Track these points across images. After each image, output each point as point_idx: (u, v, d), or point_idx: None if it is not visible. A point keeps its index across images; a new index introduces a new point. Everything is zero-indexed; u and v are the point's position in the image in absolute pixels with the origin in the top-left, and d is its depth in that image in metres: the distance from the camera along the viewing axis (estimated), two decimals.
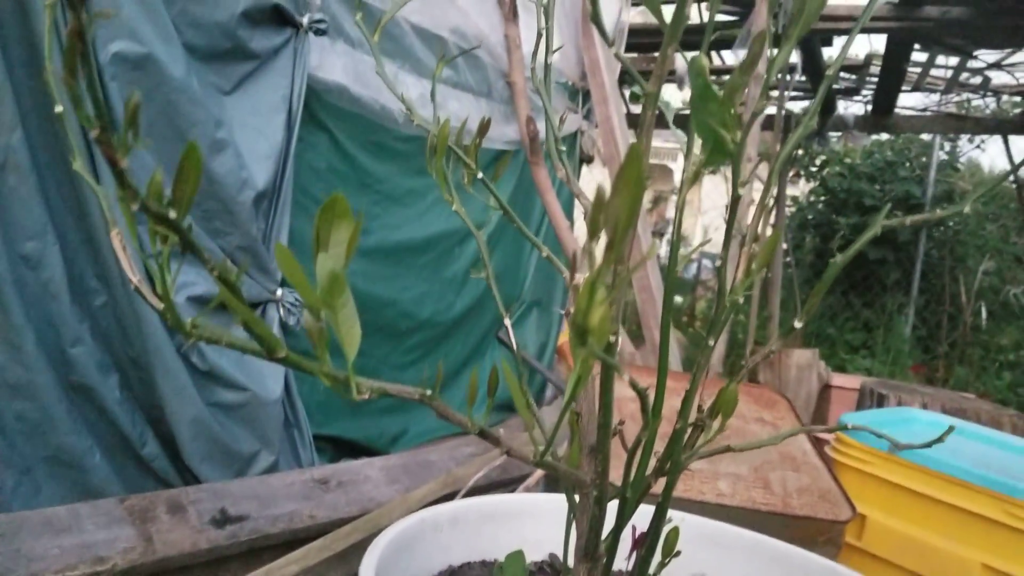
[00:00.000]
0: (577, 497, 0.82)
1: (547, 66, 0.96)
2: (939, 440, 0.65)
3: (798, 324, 0.69)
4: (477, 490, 1.93)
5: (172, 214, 0.46)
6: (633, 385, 0.62)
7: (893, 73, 4.62)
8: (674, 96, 6.62)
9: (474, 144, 0.91)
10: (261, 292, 1.76)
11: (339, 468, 1.86)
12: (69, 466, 1.50)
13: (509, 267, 2.84)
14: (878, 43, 4.58)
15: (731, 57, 5.66)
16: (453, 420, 0.67)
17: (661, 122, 6.16)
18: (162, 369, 1.56)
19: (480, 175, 0.89)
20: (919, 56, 4.59)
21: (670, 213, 12.95)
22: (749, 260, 0.65)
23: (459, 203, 0.95)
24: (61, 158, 1.45)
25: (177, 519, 1.50)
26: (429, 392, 0.64)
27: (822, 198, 6.42)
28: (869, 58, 4.85)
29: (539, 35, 0.92)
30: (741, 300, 0.60)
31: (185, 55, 1.54)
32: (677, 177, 12.84)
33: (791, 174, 6.01)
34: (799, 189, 6.63)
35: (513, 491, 2.20)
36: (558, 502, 0.94)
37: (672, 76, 5.26)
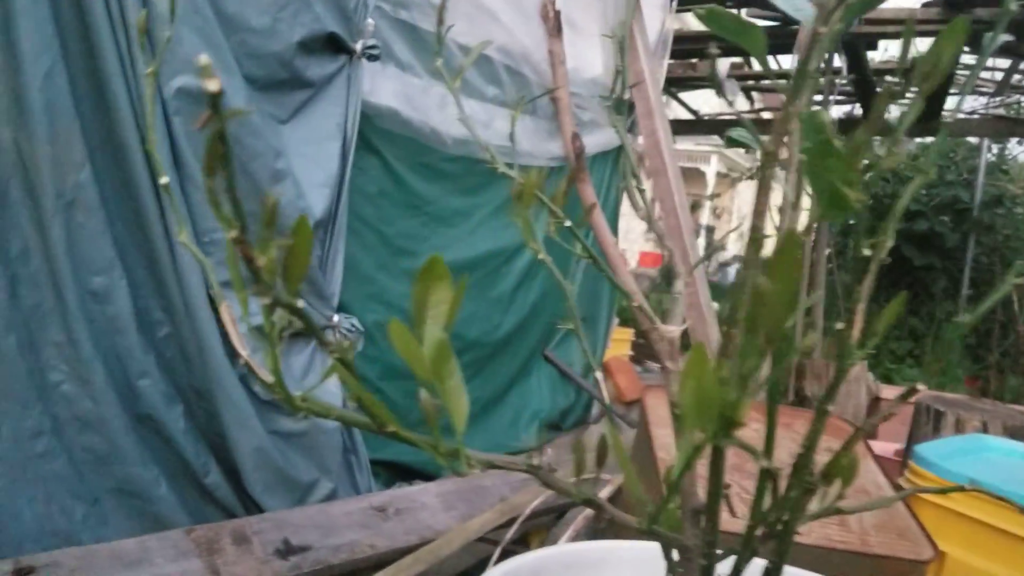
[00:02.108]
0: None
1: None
2: None
3: (861, 349, 0.66)
4: (533, 515, 1.92)
5: (300, 303, 0.45)
6: (753, 453, 0.59)
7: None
8: (709, 101, 6.56)
9: (560, 193, 0.89)
10: (319, 319, 1.77)
11: (396, 495, 1.85)
12: (135, 496, 1.52)
13: (553, 287, 2.82)
14: (923, 46, 4.48)
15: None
16: (558, 488, 0.66)
17: (696, 128, 6.11)
18: (225, 399, 1.57)
19: (568, 223, 0.88)
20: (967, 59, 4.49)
21: (703, 219, 12.82)
22: (862, 320, 0.63)
23: (543, 250, 0.94)
24: (126, 193, 1.47)
25: (242, 550, 1.51)
26: (536, 463, 0.63)
27: (866, 203, 6.30)
28: (915, 61, 4.75)
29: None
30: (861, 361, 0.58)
31: (246, 87, 1.55)
32: (710, 180, 12.69)
33: None
34: None
35: (563, 515, 2.18)
36: (639, 551, 0.92)
37: (710, 81, 5.22)
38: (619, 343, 3.68)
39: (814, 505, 0.71)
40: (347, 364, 0.50)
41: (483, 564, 2.01)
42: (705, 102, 6.18)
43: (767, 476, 0.64)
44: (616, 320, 3.40)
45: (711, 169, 12.73)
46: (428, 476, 2.17)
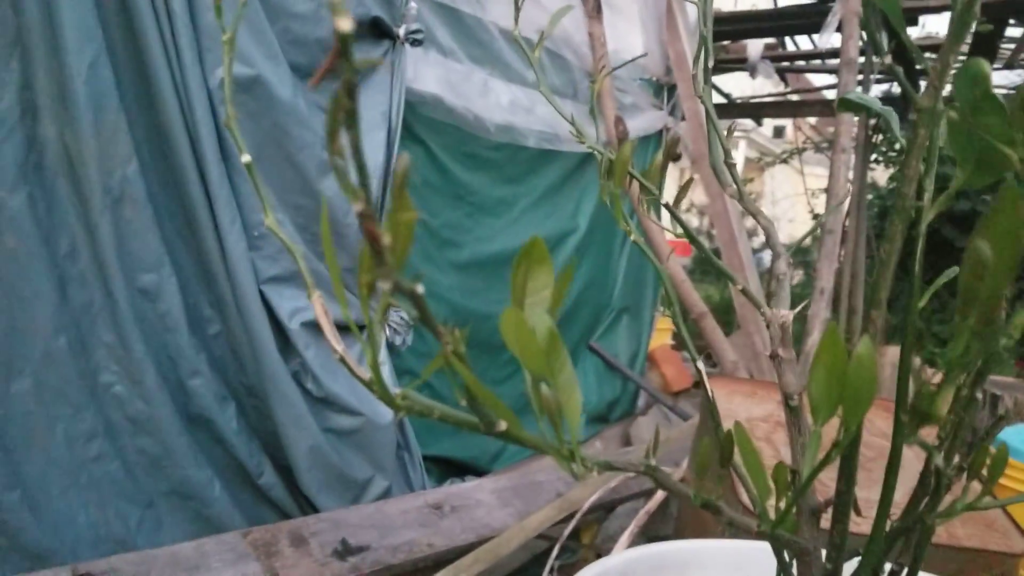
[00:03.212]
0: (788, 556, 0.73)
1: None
2: None
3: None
4: (591, 509, 1.86)
5: (419, 288, 0.39)
6: (929, 450, 0.52)
7: (984, 51, 4.36)
8: (743, 83, 6.43)
9: (655, 167, 0.83)
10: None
11: (451, 492, 1.80)
12: (190, 498, 1.48)
13: (598, 275, 2.76)
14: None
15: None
16: (675, 492, 0.60)
17: (728, 112, 5.98)
18: (278, 397, 1.52)
19: (664, 202, 0.81)
20: (1013, 32, 4.34)
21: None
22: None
23: (629, 225, 0.87)
24: (173, 186, 1.42)
25: (300, 552, 1.47)
26: (652, 463, 0.57)
27: None
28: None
29: None
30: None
31: (291, 76, 1.50)
32: (739, 166, 12.51)
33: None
34: (878, 176, 6.37)
35: (612, 510, 2.13)
36: (727, 550, 0.87)
37: (744, 64, 5.09)
38: (660, 332, 3.60)
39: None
40: (460, 356, 0.44)
41: (538, 559, 1.96)
42: (736, 85, 6.05)
43: (933, 475, 0.57)
44: (661, 308, 3.32)
45: (739, 155, 12.55)
46: (479, 471, 2.12)
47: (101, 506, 1.36)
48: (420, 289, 0.38)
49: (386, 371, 1.74)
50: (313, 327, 1.55)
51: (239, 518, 1.53)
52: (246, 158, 0.58)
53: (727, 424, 1.64)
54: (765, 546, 0.63)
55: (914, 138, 0.56)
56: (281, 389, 1.52)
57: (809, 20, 4.54)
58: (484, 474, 2.11)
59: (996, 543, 1.26)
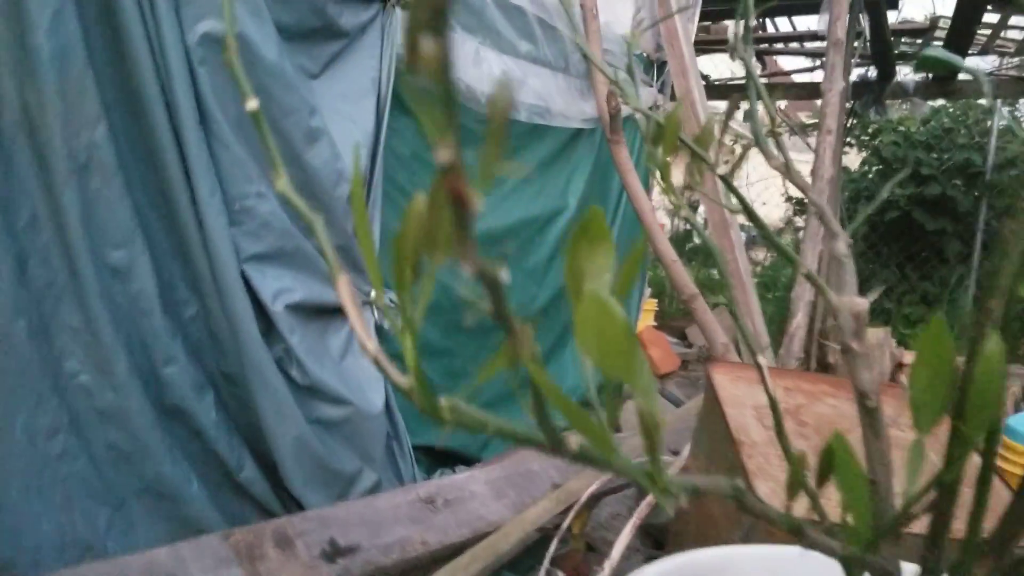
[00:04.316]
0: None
1: None
2: None
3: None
4: (589, 500, 1.79)
5: (504, 274, 0.28)
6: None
7: (962, 35, 4.36)
8: (720, 66, 6.38)
9: (708, 131, 0.73)
10: (357, 294, 1.59)
11: (443, 484, 1.70)
12: (165, 497, 1.36)
13: None
14: (941, 7, 4.34)
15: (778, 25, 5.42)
16: (767, 517, 0.51)
17: (708, 93, 5.92)
18: (260, 385, 1.40)
19: (719, 172, 0.71)
20: (990, 17, 4.34)
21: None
22: None
23: (680, 199, 0.77)
24: (146, 153, 1.28)
25: (286, 555, 1.36)
26: (740, 486, 0.48)
27: (875, 168, 6.16)
28: (935, 21, 4.59)
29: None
30: None
31: (277, 36, 1.36)
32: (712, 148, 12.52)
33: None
34: (850, 159, 6.38)
35: (599, 499, 2.05)
36: (761, 556, 0.81)
37: (724, 46, 5.02)
38: (644, 314, 3.53)
39: None
40: (535, 359, 0.34)
41: (530, 551, 1.87)
42: (714, 67, 5.99)
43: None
44: (648, 290, 3.24)
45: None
46: (469, 460, 2.02)
47: (66, 508, 1.23)
48: (505, 276, 0.27)
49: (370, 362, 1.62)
50: (298, 310, 1.43)
51: (218, 517, 1.41)
52: (252, 103, 0.46)
53: (737, 411, 1.54)
54: (797, 550, 0.55)
55: None
56: (263, 377, 1.40)
57: (791, 1, 4.49)
58: (474, 462, 2.01)
59: None
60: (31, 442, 1.20)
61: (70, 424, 1.25)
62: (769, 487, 1.19)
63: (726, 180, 0.78)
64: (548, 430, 0.33)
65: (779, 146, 0.78)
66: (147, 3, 1.20)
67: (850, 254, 0.73)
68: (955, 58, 0.58)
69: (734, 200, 0.71)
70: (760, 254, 7.59)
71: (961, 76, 5.10)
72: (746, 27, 0.95)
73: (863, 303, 0.75)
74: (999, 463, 1.47)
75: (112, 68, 1.22)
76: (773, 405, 0.64)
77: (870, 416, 0.59)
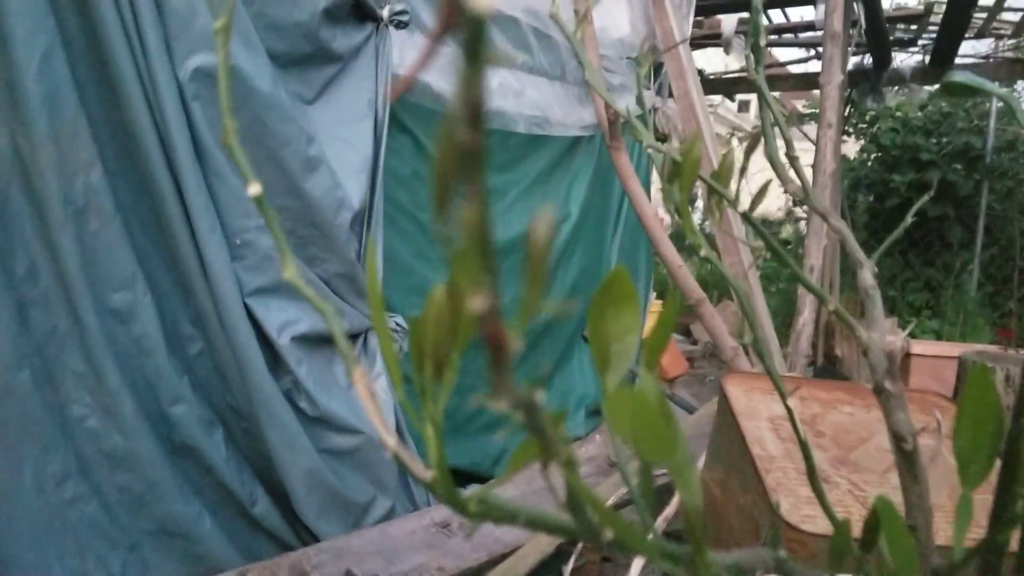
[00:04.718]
0: None
1: None
2: None
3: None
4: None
5: (540, 396, 0.26)
6: None
7: (958, 20, 4.33)
8: (714, 59, 6.35)
9: (726, 168, 0.71)
10: (361, 321, 1.58)
11: None
12: (178, 536, 1.34)
13: (592, 263, 2.65)
14: None
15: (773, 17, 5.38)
16: None
17: (710, 88, 5.89)
18: (269, 418, 1.39)
19: (740, 211, 0.69)
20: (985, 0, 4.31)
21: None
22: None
23: (693, 224, 0.75)
24: (144, 194, 1.27)
25: None
26: (782, 556, 0.47)
27: (874, 155, 6.13)
28: (929, 7, 4.56)
29: None
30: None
31: (270, 65, 1.35)
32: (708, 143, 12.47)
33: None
34: (849, 148, 6.35)
35: (628, 505, 2.03)
36: None
37: (718, 40, 5.00)
38: (650, 316, 3.51)
39: None
40: (572, 465, 0.33)
41: (547, 565, 1.85)
42: (708, 61, 5.96)
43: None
44: (653, 294, 3.23)
45: (707, 131, 12.48)
46: (481, 478, 2.00)
47: (79, 554, 1.22)
48: (541, 397, 0.26)
49: (382, 383, 1.61)
50: (304, 341, 1.41)
51: (233, 553, 1.39)
52: (255, 189, 0.44)
53: (752, 423, 1.51)
54: None
55: None
56: (272, 410, 1.39)
57: None
58: (486, 481, 2.00)
59: None
60: (41, 490, 1.19)
61: (79, 469, 1.23)
62: (790, 503, 1.17)
63: (749, 219, 0.75)
64: (581, 521, 0.31)
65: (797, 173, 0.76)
66: (137, 41, 1.19)
67: (876, 285, 0.71)
68: (983, 82, 0.56)
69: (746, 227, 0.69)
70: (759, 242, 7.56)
71: (959, 60, 5.07)
72: (756, 48, 0.93)
73: (896, 342, 0.73)
74: None
75: (104, 108, 1.20)
76: (793, 423, 0.62)
77: (907, 459, 0.56)
